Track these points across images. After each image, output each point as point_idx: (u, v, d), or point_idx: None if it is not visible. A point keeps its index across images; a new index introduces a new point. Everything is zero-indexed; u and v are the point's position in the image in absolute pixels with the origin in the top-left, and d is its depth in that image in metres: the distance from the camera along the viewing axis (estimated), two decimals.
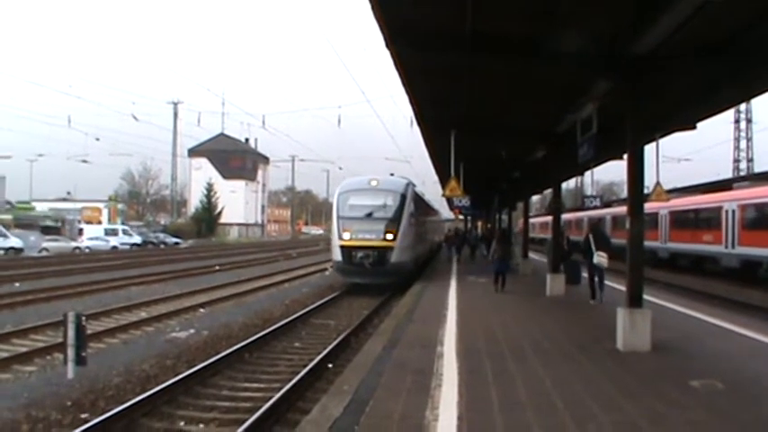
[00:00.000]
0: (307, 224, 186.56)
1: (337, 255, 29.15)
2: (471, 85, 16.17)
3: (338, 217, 29.63)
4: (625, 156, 13.99)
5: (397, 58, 13.77)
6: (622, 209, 21.32)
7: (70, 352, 12.46)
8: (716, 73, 13.91)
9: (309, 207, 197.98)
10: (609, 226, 52.17)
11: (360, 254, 28.32)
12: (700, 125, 19.53)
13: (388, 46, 12.59)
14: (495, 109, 19.49)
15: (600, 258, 19.63)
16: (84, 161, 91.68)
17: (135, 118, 79.94)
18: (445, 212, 73.06)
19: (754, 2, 10.60)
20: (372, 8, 10.99)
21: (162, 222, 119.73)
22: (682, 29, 10.50)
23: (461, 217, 79.24)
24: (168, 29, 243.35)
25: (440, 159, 29.64)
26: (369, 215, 29.32)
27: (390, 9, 11.20)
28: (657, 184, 27.98)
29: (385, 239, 28.41)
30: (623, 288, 13.21)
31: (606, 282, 20.34)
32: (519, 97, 17.42)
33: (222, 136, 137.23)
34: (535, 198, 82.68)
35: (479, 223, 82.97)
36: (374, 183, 30.97)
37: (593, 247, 19.76)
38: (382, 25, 11.81)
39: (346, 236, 28.78)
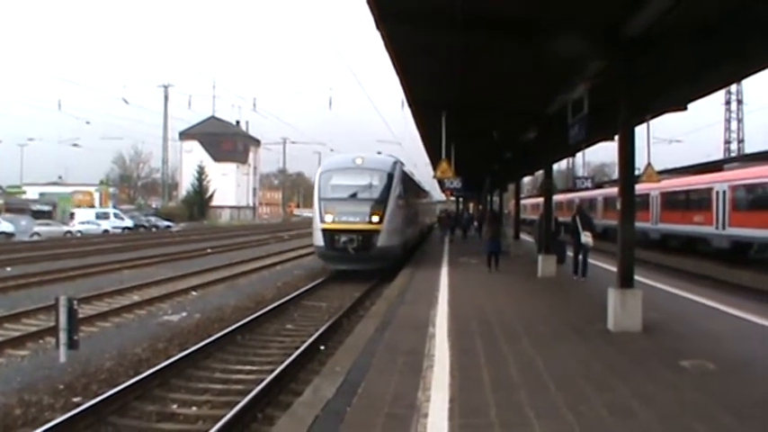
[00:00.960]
0: (299, 206, 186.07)
1: (319, 239, 27.33)
2: (462, 66, 16.10)
3: (320, 198, 27.82)
4: (616, 137, 13.97)
5: (388, 39, 13.68)
6: (614, 190, 21.42)
7: (62, 336, 12.40)
8: (708, 53, 13.88)
9: (301, 189, 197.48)
10: (600, 207, 52.35)
11: (343, 238, 26.50)
12: (691, 106, 19.57)
13: (378, 26, 12.51)
14: (486, 89, 19.42)
15: (586, 238, 21.15)
16: (75, 145, 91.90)
17: (125, 101, 79.96)
18: (437, 194, 73.13)
19: None
20: None
21: (153, 206, 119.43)
22: (674, 9, 10.47)
23: (453, 198, 79.30)
24: (158, 11, 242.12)
25: (431, 141, 29.56)
26: (353, 196, 27.48)
27: None
28: (648, 165, 28.00)
29: (370, 222, 26.66)
30: (608, 266, 13.26)
31: (592, 261, 20.63)
32: (510, 78, 17.36)
33: (213, 119, 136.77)
34: (527, 180, 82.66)
35: (471, 205, 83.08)
36: (359, 161, 28.95)
37: (580, 228, 21.09)
38: (372, 4, 11.74)
39: (328, 218, 26.94)
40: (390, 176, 28.13)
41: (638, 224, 44.06)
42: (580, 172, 45.42)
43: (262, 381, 11.48)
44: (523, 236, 40.23)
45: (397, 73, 17.10)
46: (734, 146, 78.27)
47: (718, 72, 15.92)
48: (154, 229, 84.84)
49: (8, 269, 31.61)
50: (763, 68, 15.16)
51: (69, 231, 68.27)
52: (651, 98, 17.52)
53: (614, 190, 16.03)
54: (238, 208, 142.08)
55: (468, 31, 12.72)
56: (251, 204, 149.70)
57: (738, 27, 12.00)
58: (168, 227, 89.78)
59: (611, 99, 13.18)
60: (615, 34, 12.04)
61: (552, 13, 11.88)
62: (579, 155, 36.25)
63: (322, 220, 27.09)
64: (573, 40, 12.52)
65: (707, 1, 11.03)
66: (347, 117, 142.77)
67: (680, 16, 11.07)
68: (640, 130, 22.60)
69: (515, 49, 14.50)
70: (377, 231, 26.59)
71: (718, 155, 73.37)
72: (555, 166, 35.14)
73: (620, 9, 11.43)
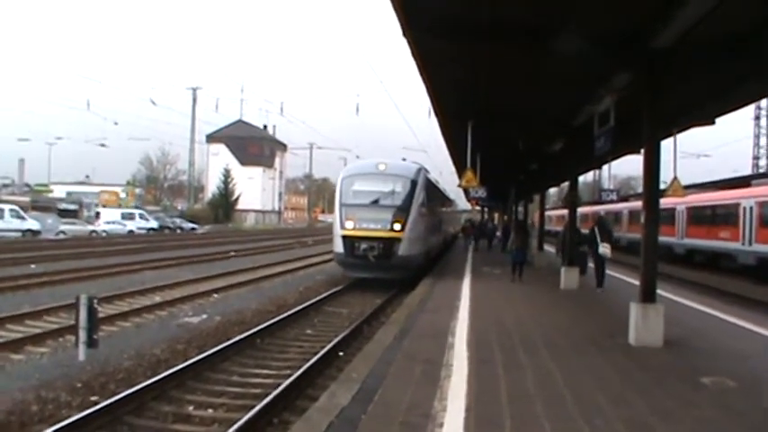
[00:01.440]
0: (323, 212, 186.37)
1: (339, 246, 26.52)
2: (489, 75, 16.08)
3: (341, 204, 27.02)
4: (642, 150, 13.87)
5: (414, 46, 13.67)
6: (639, 203, 21.38)
7: (82, 334, 12.46)
8: (737, 68, 13.76)
9: (326, 195, 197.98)
10: (625, 220, 52.11)
11: (363, 245, 25.65)
12: (719, 121, 19.45)
13: (404, 33, 12.50)
14: (512, 99, 19.38)
15: (604, 249, 21.42)
16: (102, 145, 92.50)
17: (153, 103, 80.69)
18: (462, 203, 73.00)
19: None
20: None
21: (179, 207, 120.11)
22: (702, 22, 10.39)
23: (478, 208, 79.10)
24: (187, 14, 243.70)
25: (457, 149, 29.39)
26: (375, 202, 26.71)
27: None
28: (675, 179, 27.81)
29: (392, 230, 25.73)
30: (631, 280, 13.17)
31: (616, 274, 20.52)
32: (537, 88, 17.30)
33: (240, 122, 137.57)
34: (552, 191, 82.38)
35: (496, 215, 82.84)
36: (382, 167, 28.08)
37: (599, 239, 21.37)
38: (399, 12, 11.71)
39: (349, 225, 26.09)
40: (414, 183, 27.37)
41: (664, 238, 44.08)
42: (606, 184, 45.22)
43: (279, 385, 11.47)
44: (547, 247, 40.11)
45: (424, 81, 17.08)
46: (762, 161, 77.69)
47: (748, 87, 15.80)
48: (178, 231, 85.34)
49: (32, 266, 31.88)
50: None
51: (95, 231, 68.78)
52: (677, 112, 17.43)
53: (640, 203, 15.90)
54: (264, 212, 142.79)
55: (494, 39, 12.68)
56: (276, 209, 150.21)
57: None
58: (193, 229, 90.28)
59: (637, 112, 13.07)
60: (641, 46, 11.95)
61: (577, 23, 11.82)
62: (606, 167, 36.02)
63: (342, 227, 26.35)
64: (598, 50, 12.47)
65: (737, 14, 10.90)
66: (373, 124, 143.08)
67: (708, 29, 10.98)
68: (667, 144, 22.58)
69: (541, 59, 14.43)
70: (398, 239, 25.77)
71: (747, 170, 72.84)
72: (581, 178, 35.02)
73: (647, 20, 11.34)
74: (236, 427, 9.20)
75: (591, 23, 11.81)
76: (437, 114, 22.12)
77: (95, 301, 12.68)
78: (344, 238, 26.17)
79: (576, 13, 11.58)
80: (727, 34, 11.82)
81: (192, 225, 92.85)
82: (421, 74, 16.19)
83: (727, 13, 10.19)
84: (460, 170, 32.22)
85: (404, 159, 33.63)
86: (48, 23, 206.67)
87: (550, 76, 15.97)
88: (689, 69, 13.29)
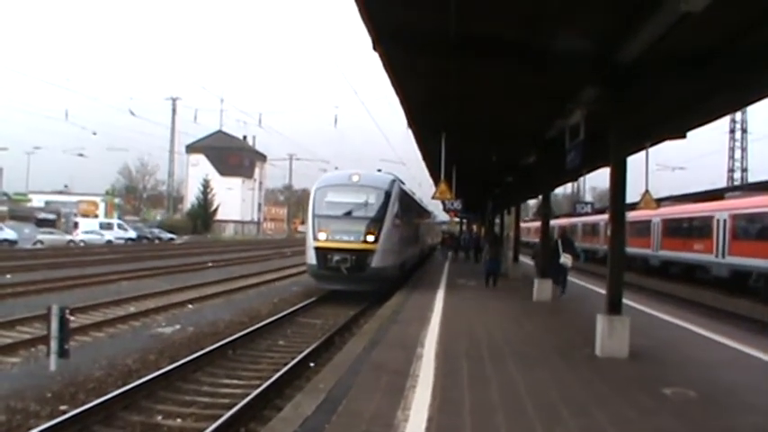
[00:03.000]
0: (303, 223, 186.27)
1: (312, 258, 26.14)
2: (460, 88, 16.19)
3: (314, 215, 26.72)
4: None
5: (386, 59, 13.82)
6: None
7: (53, 344, 12.51)
8: (703, 83, 13.99)
9: (306, 206, 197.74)
10: (602, 232, 52.39)
11: (336, 257, 25.41)
12: (693, 134, 19.65)
13: (375, 47, 12.64)
14: (484, 112, 19.56)
15: (565, 259, 23.18)
16: (81, 155, 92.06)
17: (132, 113, 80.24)
18: (442, 215, 73.16)
19: (739, 13, 10.68)
20: (359, 10, 11.09)
21: (158, 218, 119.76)
22: (666, 38, 10.55)
23: (457, 219, 79.27)
24: (164, 25, 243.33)
25: (432, 161, 29.52)
26: (348, 214, 26.39)
27: (376, 11, 11.27)
28: (646, 191, 28.04)
29: (365, 242, 25.55)
30: (605, 291, 13.30)
31: (593, 287, 20.74)
32: (508, 101, 17.49)
33: (220, 133, 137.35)
34: (532, 202, 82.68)
35: (474, 226, 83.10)
36: (355, 178, 27.76)
37: (561, 250, 22.95)
38: (369, 26, 11.87)
39: (322, 236, 25.79)
40: (388, 195, 27.10)
41: (639, 250, 44.57)
42: (587, 196, 45.48)
43: (248, 395, 11.55)
44: (524, 258, 40.29)
45: (397, 93, 17.24)
46: (737, 174, 78.29)
47: (715, 102, 16.04)
48: (157, 241, 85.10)
49: (8, 276, 31.72)
50: (762, 98, 15.27)
51: (72, 240, 68.48)
52: (646, 126, 17.65)
53: None
54: (243, 223, 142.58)
55: (462, 52, 12.82)
56: (255, 219, 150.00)
57: (734, 57, 12.09)
58: (171, 239, 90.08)
59: (605, 125, 13.26)
60: (605, 61, 12.13)
61: (543, 36, 11.98)
62: (583, 180, 36.25)
63: (315, 238, 26.08)
64: (563, 64, 12.65)
65: (700, 30, 11.07)
66: (352, 135, 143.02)
67: (672, 45, 11.17)
68: (640, 157, 22.84)
69: (509, 73, 14.63)
70: (372, 251, 25.54)
71: (722, 183, 73.45)
72: (560, 190, 35.28)
73: (611, 36, 11.51)
74: None
75: (555, 38, 11.96)
76: (410, 125, 22.21)
77: (67, 311, 12.75)
78: (317, 249, 25.90)
79: (540, 29, 11.75)
80: (691, 50, 12.04)
81: (170, 235, 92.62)
82: (393, 86, 16.34)
83: (687, 31, 10.37)
84: (437, 182, 32.23)
85: (379, 170, 33.52)
86: (24, 32, 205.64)
87: (520, 90, 16.16)
88: (655, 84, 13.48)
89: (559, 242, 23.68)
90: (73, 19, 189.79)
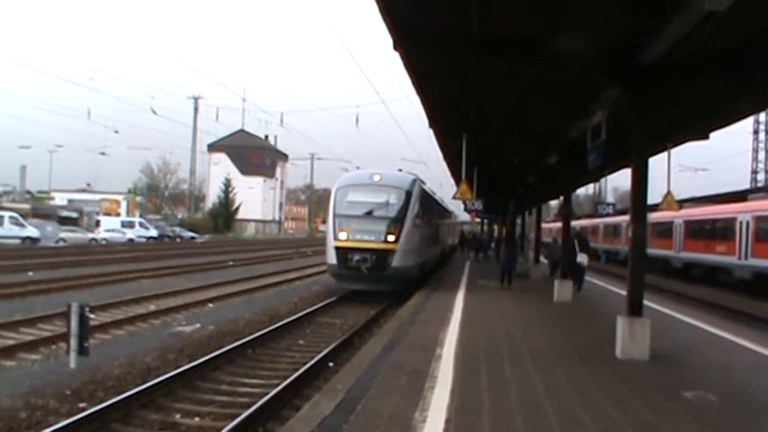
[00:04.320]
0: (324, 222, 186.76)
1: (332, 257, 26.23)
2: (481, 88, 16.17)
3: (334, 215, 26.79)
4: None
5: (407, 60, 13.81)
6: None
7: (73, 342, 12.58)
8: (727, 83, 13.87)
9: (327, 205, 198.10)
10: (624, 233, 52.14)
11: (357, 257, 25.37)
12: (716, 135, 19.46)
13: (396, 48, 12.62)
14: (506, 112, 19.48)
15: (581, 258, 24.44)
16: (103, 153, 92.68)
17: (154, 112, 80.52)
18: (464, 215, 73.00)
19: (764, 11, 10.56)
20: (380, 10, 11.06)
21: (179, 216, 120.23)
22: (689, 38, 10.44)
23: (478, 220, 79.07)
24: (186, 25, 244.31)
25: (453, 161, 29.47)
26: (369, 213, 26.42)
27: (397, 11, 11.25)
28: (668, 193, 27.87)
29: (386, 241, 25.53)
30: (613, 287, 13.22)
31: (613, 288, 20.68)
32: (530, 102, 17.41)
33: (242, 132, 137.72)
34: (554, 203, 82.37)
35: (495, 227, 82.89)
36: (377, 178, 27.75)
37: (578, 249, 24.35)
38: (390, 27, 11.86)
39: (342, 236, 25.82)
40: (408, 194, 27.07)
41: (661, 252, 44.31)
42: (609, 197, 45.22)
43: (266, 395, 11.55)
44: (543, 259, 40.18)
45: (418, 93, 17.20)
46: (761, 176, 77.78)
47: (739, 103, 15.91)
48: (178, 240, 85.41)
49: (30, 274, 31.93)
50: None
51: (94, 239, 68.81)
52: (668, 127, 17.52)
53: None
54: (264, 222, 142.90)
55: (484, 52, 12.78)
56: (277, 218, 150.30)
57: (759, 56, 11.97)
58: (193, 238, 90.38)
59: (627, 126, 13.17)
60: (628, 62, 12.02)
61: (565, 36, 11.90)
62: (604, 180, 36.10)
63: (335, 238, 26.13)
64: (585, 65, 12.56)
65: (725, 30, 10.98)
66: (373, 135, 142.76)
67: (696, 45, 11.06)
68: (662, 158, 22.68)
69: (531, 74, 14.56)
70: (392, 251, 25.51)
71: (745, 184, 72.97)
72: (582, 191, 35.16)
73: (633, 35, 11.45)
74: None
75: (577, 39, 11.88)
76: (432, 126, 22.11)
77: (87, 309, 12.81)
78: (338, 249, 25.93)
79: (561, 29, 11.68)
80: (714, 51, 11.92)
81: (191, 234, 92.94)
82: (414, 86, 16.31)
83: (711, 31, 10.26)
84: (458, 182, 32.08)
85: (400, 170, 33.33)
86: (47, 31, 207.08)
87: (541, 91, 16.07)
88: (678, 85, 13.38)
89: (576, 242, 24.57)
90: (95, 18, 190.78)
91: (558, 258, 25.90)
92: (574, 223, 33.16)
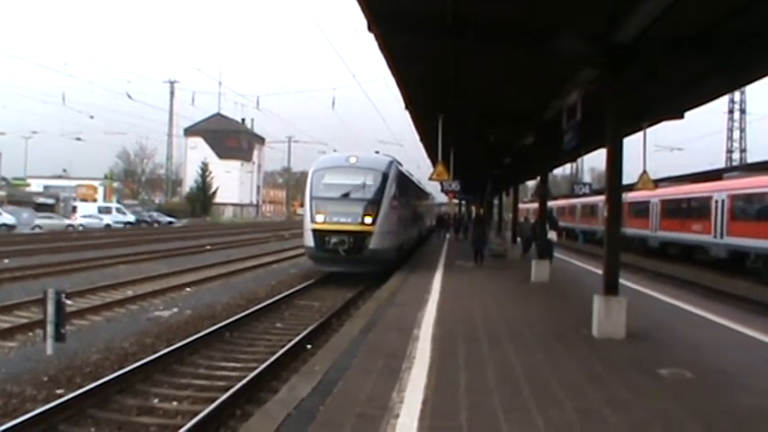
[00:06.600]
0: (302, 205, 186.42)
1: (309, 240, 26.29)
2: (456, 69, 16.18)
3: (311, 197, 26.73)
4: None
5: (381, 41, 13.79)
6: None
7: (49, 328, 12.54)
8: (701, 63, 13.96)
9: (305, 188, 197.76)
10: (600, 213, 52.39)
11: (334, 239, 25.47)
12: (692, 114, 19.59)
13: (370, 28, 12.61)
14: (481, 93, 19.50)
15: (551, 235, 26.39)
16: (78, 139, 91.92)
17: (129, 96, 79.93)
18: (441, 197, 73.14)
19: None
20: None
21: (157, 201, 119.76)
22: (663, 17, 10.48)
23: (456, 201, 79.16)
24: (161, 8, 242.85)
25: (429, 143, 29.47)
26: (345, 196, 26.40)
27: None
28: (644, 172, 28.07)
29: (363, 223, 25.58)
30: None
31: (591, 267, 20.89)
32: (504, 82, 17.42)
33: (218, 116, 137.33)
34: (531, 184, 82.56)
35: (473, 208, 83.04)
36: (353, 160, 27.83)
37: (548, 227, 25.64)
38: (364, 7, 11.84)
39: (319, 218, 25.87)
40: (385, 176, 27.12)
41: (638, 231, 44.65)
42: (587, 177, 45.42)
43: (244, 378, 11.55)
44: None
45: (393, 75, 17.20)
46: (736, 155, 78.34)
47: (712, 83, 15.95)
48: (155, 225, 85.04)
49: (5, 261, 31.73)
50: (760, 78, 15.18)
51: (71, 225, 68.34)
52: (643, 106, 17.59)
53: None
54: (242, 205, 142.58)
55: (459, 33, 12.77)
56: (254, 202, 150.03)
57: (732, 36, 12.03)
58: (170, 223, 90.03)
59: (602, 106, 13.21)
60: (602, 42, 12.04)
61: (539, 17, 11.92)
62: (586, 159, 36.33)
63: (313, 220, 26.16)
64: (560, 45, 12.54)
65: (698, 10, 11.04)
66: (350, 117, 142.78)
67: (668, 27, 11.12)
68: (637, 137, 22.81)
69: (506, 55, 14.56)
70: (369, 233, 25.62)
71: (721, 164, 73.48)
72: (559, 171, 35.33)
73: (607, 16, 11.46)
74: (197, 418, 9.27)
75: (552, 18, 11.90)
76: (407, 107, 22.10)
77: (63, 295, 12.79)
78: (315, 231, 25.99)
79: (536, 10, 11.69)
80: (689, 30, 11.97)
81: (169, 219, 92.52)
82: (390, 68, 16.30)
83: (685, 10, 10.31)
84: (435, 163, 32.10)
85: (377, 152, 33.33)
86: (21, 16, 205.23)
87: (516, 71, 16.09)
88: (652, 65, 13.45)
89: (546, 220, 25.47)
90: (70, 2, 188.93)
91: (529, 236, 28.36)
92: (551, 203, 33.50)
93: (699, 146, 71.86)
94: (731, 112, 78.94)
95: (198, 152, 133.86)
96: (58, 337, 12.67)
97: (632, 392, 8.71)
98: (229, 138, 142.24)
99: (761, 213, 30.76)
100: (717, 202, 34.84)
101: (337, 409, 7.76)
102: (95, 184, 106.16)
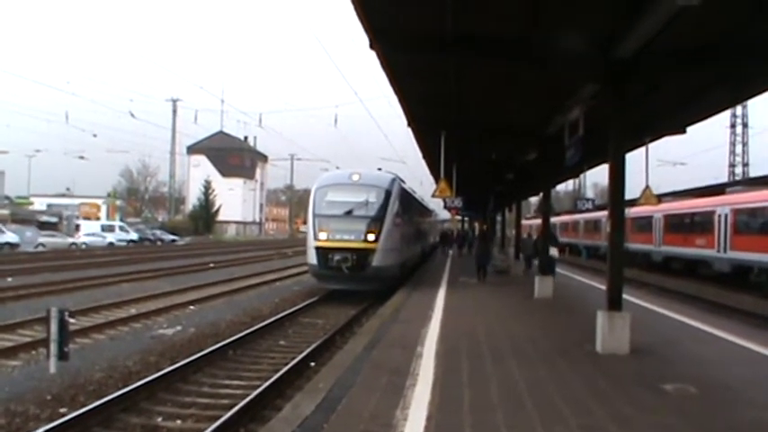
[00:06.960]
0: (305, 223, 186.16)
1: (312, 257, 26.20)
2: (458, 85, 16.22)
3: (314, 214, 26.68)
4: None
5: (383, 59, 13.85)
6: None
7: (53, 347, 12.49)
8: (702, 76, 14.00)
9: (308, 206, 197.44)
10: (604, 229, 52.39)
11: (337, 256, 25.32)
12: (694, 129, 19.64)
13: (372, 46, 12.64)
14: (483, 109, 19.55)
15: (552, 251, 25.17)
16: (82, 157, 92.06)
17: (132, 115, 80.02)
18: (445, 213, 73.17)
19: (737, 6, 10.64)
20: (355, 8, 11.07)
21: (159, 219, 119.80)
22: (664, 33, 10.52)
23: (458, 217, 79.19)
24: (163, 27, 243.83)
25: (432, 159, 29.49)
26: (348, 213, 26.28)
27: (372, 9, 11.28)
28: (647, 187, 28.08)
29: (366, 241, 25.45)
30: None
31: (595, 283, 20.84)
32: (507, 99, 17.45)
33: (221, 134, 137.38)
34: (533, 199, 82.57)
35: (476, 224, 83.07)
36: (356, 177, 27.61)
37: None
38: (366, 26, 11.89)
39: (322, 236, 25.74)
40: (388, 193, 26.93)
41: (642, 246, 44.55)
42: (589, 193, 45.54)
43: (248, 396, 11.52)
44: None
45: (395, 92, 17.23)
46: (738, 169, 78.25)
47: (714, 96, 16.00)
48: (159, 243, 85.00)
49: (9, 279, 31.66)
50: (762, 92, 15.22)
51: (74, 243, 68.35)
52: (645, 121, 17.61)
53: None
54: (245, 223, 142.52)
55: (459, 51, 12.81)
56: (257, 220, 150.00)
57: (733, 51, 12.05)
58: (173, 240, 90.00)
59: (606, 122, 13.21)
60: (604, 57, 12.07)
61: (541, 35, 11.95)
62: (589, 175, 36.40)
63: (316, 238, 26.04)
64: (562, 62, 12.59)
65: (699, 25, 11.05)
66: (353, 135, 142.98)
67: (671, 40, 11.17)
68: (640, 153, 22.83)
69: (507, 71, 14.61)
70: (372, 250, 25.45)
71: (723, 178, 73.38)
72: (562, 187, 35.41)
73: (610, 31, 11.49)
74: None
75: (553, 36, 11.92)
76: (410, 124, 22.14)
77: (67, 314, 12.72)
78: (318, 249, 25.88)
79: (538, 27, 11.72)
80: (690, 45, 12.00)
81: (172, 237, 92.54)
82: (392, 85, 16.33)
83: (686, 26, 10.35)
84: (437, 180, 32.10)
85: (380, 169, 33.10)
86: (24, 35, 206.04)
87: (520, 87, 16.13)
88: (654, 80, 13.48)
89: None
90: (72, 21, 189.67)
91: (531, 253, 28.67)
92: (554, 219, 33.48)
93: (701, 160, 71.57)
94: (733, 126, 78.93)
95: (201, 170, 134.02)
96: (62, 355, 12.62)
97: (637, 408, 8.69)
98: (232, 155, 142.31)
99: (764, 227, 30.73)
100: (720, 216, 34.81)
101: (341, 427, 7.75)
102: (98, 202, 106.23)
